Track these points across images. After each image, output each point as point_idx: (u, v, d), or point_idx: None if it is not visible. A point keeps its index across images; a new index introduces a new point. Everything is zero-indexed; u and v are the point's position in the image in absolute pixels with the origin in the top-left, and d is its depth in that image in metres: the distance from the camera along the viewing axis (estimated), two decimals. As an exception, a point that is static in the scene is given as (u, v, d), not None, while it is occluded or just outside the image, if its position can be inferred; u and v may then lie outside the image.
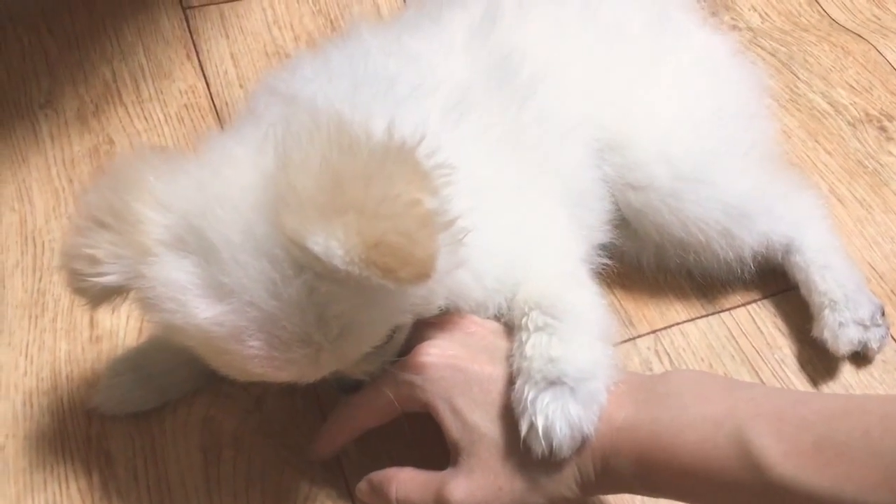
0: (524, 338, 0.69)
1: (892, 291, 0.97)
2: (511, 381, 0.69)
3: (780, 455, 0.59)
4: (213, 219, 0.58)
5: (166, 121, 1.09)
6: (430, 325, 0.73)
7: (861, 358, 0.90)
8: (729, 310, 0.95)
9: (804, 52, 1.23)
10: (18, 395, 0.84)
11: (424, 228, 0.55)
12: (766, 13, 1.29)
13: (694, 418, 0.64)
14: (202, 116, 1.10)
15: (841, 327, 0.85)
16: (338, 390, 0.75)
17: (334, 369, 0.66)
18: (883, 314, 0.89)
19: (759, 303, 0.95)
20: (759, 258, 0.91)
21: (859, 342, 0.85)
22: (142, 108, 1.10)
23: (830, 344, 0.86)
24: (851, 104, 1.16)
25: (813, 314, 0.89)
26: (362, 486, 0.75)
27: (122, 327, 0.89)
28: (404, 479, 0.72)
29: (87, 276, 0.60)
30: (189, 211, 0.60)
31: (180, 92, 1.12)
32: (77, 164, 1.04)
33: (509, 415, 0.68)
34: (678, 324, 0.94)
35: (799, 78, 1.19)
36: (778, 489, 0.59)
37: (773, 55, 1.22)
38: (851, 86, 1.19)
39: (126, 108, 1.10)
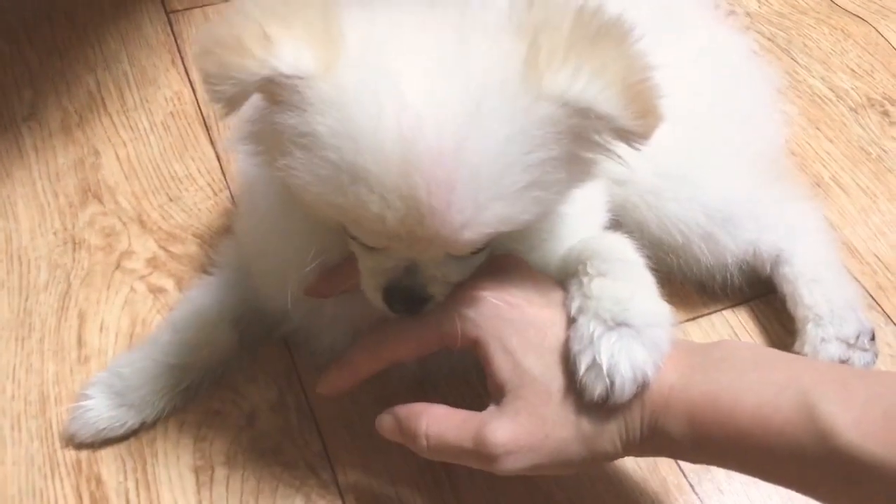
0: (586, 281, 0.67)
1: (899, 282, 0.95)
2: (568, 327, 0.66)
3: (849, 422, 0.56)
4: (439, 43, 0.57)
5: (152, 129, 1.07)
6: (485, 264, 0.69)
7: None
8: (731, 307, 0.93)
9: (803, 35, 1.20)
10: (6, 419, 0.82)
11: (660, 94, 0.59)
12: (763, -4, 1.26)
13: (753, 382, 0.61)
14: (188, 124, 1.08)
15: (822, 343, 0.82)
16: (396, 308, 0.67)
17: (463, 237, 0.58)
18: (873, 339, 0.85)
19: (762, 299, 0.93)
20: (745, 267, 0.88)
21: (839, 360, 0.82)
22: (127, 118, 1.08)
23: None
24: (853, 88, 1.14)
25: (797, 329, 0.86)
26: (385, 420, 0.70)
27: (111, 346, 0.88)
28: (438, 415, 0.67)
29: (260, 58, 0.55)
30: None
31: (166, 99, 1.10)
32: (62, 178, 1.02)
33: (563, 361, 0.65)
34: (680, 323, 0.91)
35: (798, 63, 1.17)
36: (844, 457, 0.56)
37: (771, 40, 1.20)
38: (852, 70, 1.16)
39: (111, 118, 1.08)
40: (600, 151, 0.61)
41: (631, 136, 0.58)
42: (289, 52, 0.55)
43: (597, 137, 0.60)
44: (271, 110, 0.58)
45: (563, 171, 0.60)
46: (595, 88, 0.56)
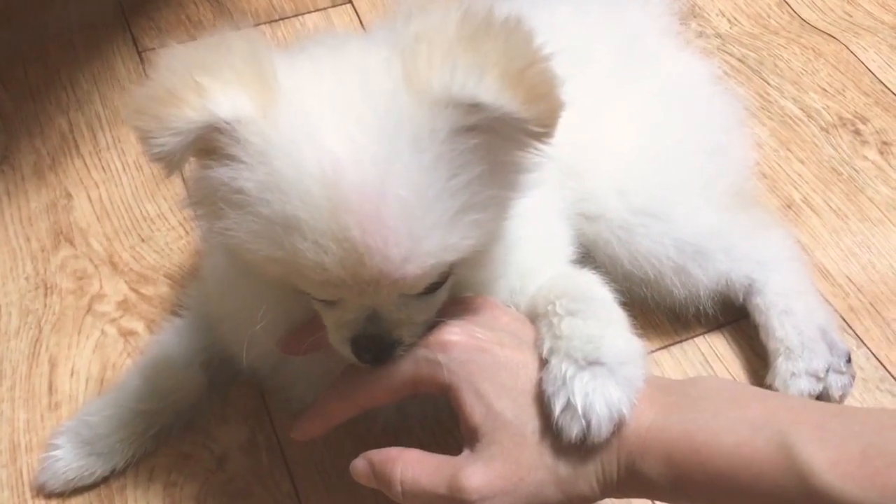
0: (556, 321, 0.67)
1: (870, 304, 0.95)
2: (540, 368, 0.66)
3: (826, 463, 0.56)
4: (343, 85, 0.58)
5: (124, 169, 1.08)
6: (454, 305, 0.69)
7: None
8: (703, 334, 0.93)
9: (774, 56, 1.20)
10: (-23, 468, 0.83)
11: (556, 80, 0.57)
12: (734, 17, 1.26)
13: (729, 421, 0.61)
14: (161, 163, 1.08)
15: (793, 377, 0.83)
16: (365, 358, 0.67)
17: (407, 272, 0.58)
18: (849, 360, 0.85)
19: (733, 325, 0.93)
20: (718, 297, 0.88)
21: (809, 394, 0.82)
22: (99, 158, 1.09)
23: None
24: (824, 108, 1.14)
25: (769, 361, 0.86)
26: (359, 465, 0.69)
27: (82, 391, 0.88)
28: (411, 460, 0.66)
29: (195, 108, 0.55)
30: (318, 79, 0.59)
31: (130, 128, 1.10)
32: (34, 222, 1.02)
33: (537, 403, 0.65)
34: (651, 352, 0.91)
35: (769, 84, 1.17)
36: (822, 498, 0.56)
37: (742, 61, 1.20)
38: (824, 89, 1.16)
39: (83, 159, 1.08)
40: (518, 148, 0.61)
41: (527, 125, 0.57)
42: (224, 98, 0.55)
43: (507, 135, 0.58)
44: (205, 172, 0.59)
45: (493, 186, 0.60)
46: (473, 80, 0.55)
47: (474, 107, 0.55)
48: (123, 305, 0.94)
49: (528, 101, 0.55)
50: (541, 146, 0.60)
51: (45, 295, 0.95)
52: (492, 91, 0.55)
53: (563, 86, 0.58)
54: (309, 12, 1.26)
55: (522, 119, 0.56)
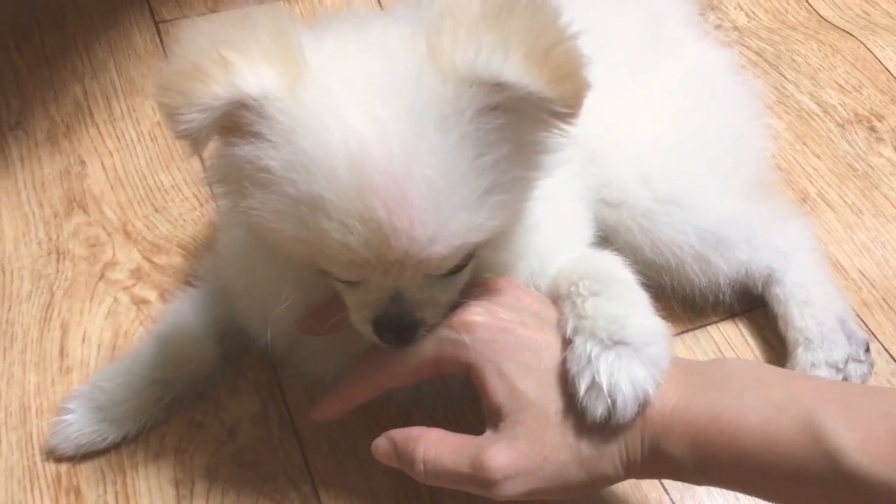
0: (580, 301, 0.67)
1: (882, 299, 0.95)
2: (564, 348, 0.66)
3: (854, 442, 0.56)
4: (368, 64, 0.57)
5: (139, 139, 1.07)
6: (476, 286, 0.69)
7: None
8: (716, 322, 0.93)
9: (792, 51, 1.20)
10: (-14, 430, 0.82)
11: (582, 60, 0.56)
12: (752, 11, 1.26)
13: (755, 401, 0.61)
14: (176, 134, 1.08)
15: (812, 368, 0.83)
16: (387, 339, 0.67)
17: (433, 253, 0.58)
18: (867, 350, 0.86)
19: (747, 315, 0.93)
20: (737, 286, 0.88)
21: None
22: (114, 127, 1.08)
23: None
24: (840, 104, 1.14)
25: (788, 350, 0.86)
26: (381, 444, 0.69)
27: (93, 357, 0.87)
28: (434, 439, 0.66)
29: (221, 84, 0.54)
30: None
31: (153, 109, 1.09)
32: (48, 188, 1.01)
33: (561, 384, 0.65)
34: (664, 339, 0.91)
35: (786, 78, 1.17)
36: (851, 478, 0.56)
37: (759, 55, 1.20)
38: (840, 85, 1.16)
39: (97, 128, 1.08)
40: (543, 129, 0.60)
41: (552, 105, 0.56)
42: (251, 74, 0.55)
43: (532, 115, 0.58)
44: (229, 150, 0.58)
45: (518, 167, 0.60)
46: (498, 58, 0.54)
47: (499, 86, 0.55)
48: (136, 274, 0.94)
49: (553, 81, 0.55)
50: (566, 127, 0.59)
51: (58, 261, 0.95)
52: (517, 70, 0.54)
53: (589, 66, 0.57)
54: (327, -10, 1.26)
55: (547, 99, 0.55)
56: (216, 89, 0.54)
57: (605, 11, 0.93)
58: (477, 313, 0.67)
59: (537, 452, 0.64)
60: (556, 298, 0.71)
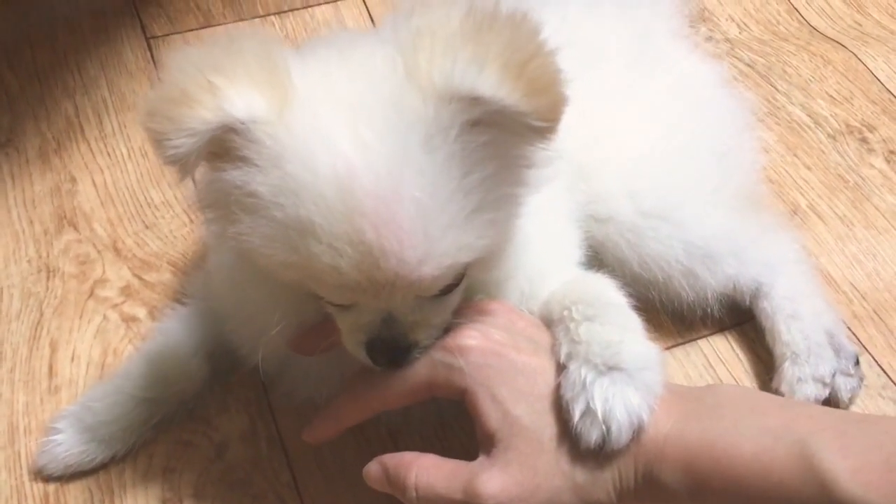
0: (573, 326, 0.67)
1: (874, 311, 0.95)
2: (557, 374, 0.65)
3: (848, 472, 0.56)
4: (352, 86, 0.57)
5: (130, 156, 1.07)
6: (470, 309, 0.69)
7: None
8: (706, 336, 0.93)
9: (783, 62, 1.20)
10: (-25, 450, 0.82)
11: (560, 75, 0.56)
12: (743, 23, 1.26)
13: (749, 429, 0.61)
14: (166, 150, 1.08)
15: (799, 383, 0.83)
16: (380, 362, 0.66)
17: (424, 274, 0.58)
18: (857, 363, 0.86)
19: (737, 328, 0.93)
20: (724, 300, 0.88)
21: (816, 399, 0.82)
22: (105, 144, 1.08)
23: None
24: (832, 115, 1.14)
25: (775, 364, 0.86)
26: (372, 469, 0.68)
27: (82, 376, 0.87)
28: (426, 465, 0.66)
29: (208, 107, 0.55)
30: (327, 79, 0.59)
31: (144, 131, 1.09)
32: (38, 205, 1.01)
33: (555, 409, 0.65)
34: (654, 353, 0.91)
35: (778, 90, 1.17)
36: None
37: (750, 66, 1.20)
38: (831, 96, 1.16)
39: (88, 144, 1.08)
40: (526, 143, 0.60)
41: (528, 119, 0.55)
42: (238, 98, 0.55)
43: (513, 130, 0.58)
44: (217, 175, 0.58)
45: (506, 184, 0.60)
46: (473, 72, 0.54)
47: (475, 100, 0.55)
48: (126, 291, 0.94)
49: (528, 94, 0.54)
50: (545, 141, 0.59)
51: (48, 278, 0.95)
52: (491, 83, 0.54)
53: (567, 80, 0.57)
54: (318, 4, 1.26)
55: (523, 112, 0.55)
56: (204, 114, 0.54)
57: (594, 24, 0.93)
58: (471, 336, 0.67)
59: (530, 479, 0.63)
60: (550, 323, 0.71)
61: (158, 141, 0.55)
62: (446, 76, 0.55)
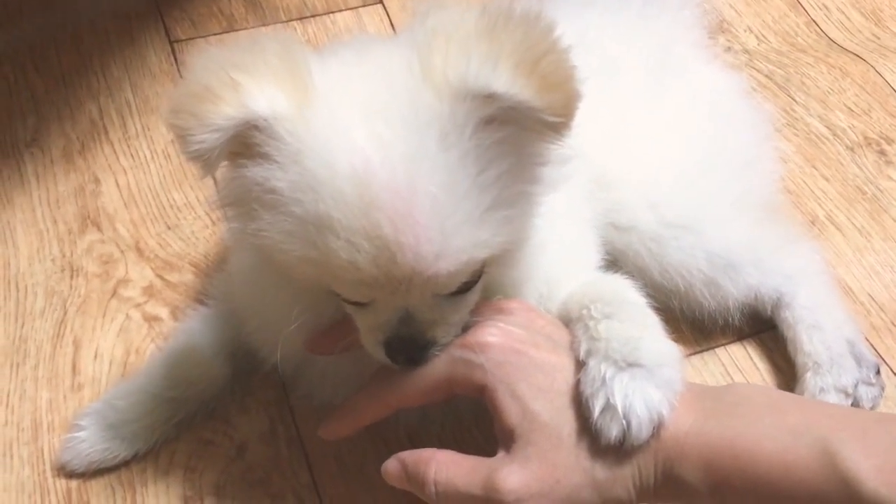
0: (592, 324, 0.67)
1: (892, 322, 0.95)
2: (577, 371, 0.66)
3: (871, 470, 0.56)
4: (370, 85, 0.59)
5: (153, 157, 1.08)
6: (488, 308, 0.70)
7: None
8: (724, 345, 0.93)
9: (801, 73, 1.21)
10: (-2, 445, 0.83)
11: (573, 71, 0.57)
12: (762, 34, 1.27)
13: (770, 427, 0.61)
14: (189, 152, 1.09)
15: (822, 393, 0.83)
16: (399, 360, 0.67)
17: (440, 269, 0.58)
18: (878, 372, 0.86)
19: (755, 337, 0.93)
20: (745, 309, 0.89)
21: None
22: (128, 145, 1.09)
23: None
24: (850, 127, 1.14)
25: (797, 374, 0.86)
26: (391, 466, 0.69)
27: (105, 374, 0.88)
28: (445, 461, 0.66)
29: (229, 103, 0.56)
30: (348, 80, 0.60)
31: (167, 127, 1.10)
32: (62, 205, 1.03)
33: (574, 406, 0.65)
34: (672, 361, 0.91)
35: (796, 101, 1.17)
36: None
37: (769, 78, 1.20)
38: (850, 108, 1.16)
39: (112, 146, 1.09)
40: (541, 140, 0.60)
41: (542, 115, 0.56)
42: (261, 95, 0.56)
43: (529, 126, 0.59)
44: (238, 172, 0.59)
45: (521, 181, 0.61)
46: (487, 69, 0.55)
47: (490, 97, 0.56)
48: (148, 291, 0.95)
49: (542, 90, 0.55)
50: (560, 137, 0.60)
51: (71, 277, 0.96)
52: (505, 79, 0.55)
53: (580, 76, 0.58)
54: (340, 11, 1.27)
55: (536, 108, 0.56)
56: (227, 110, 0.56)
57: (614, 35, 0.94)
58: (491, 333, 0.67)
59: (550, 474, 0.64)
60: (568, 321, 0.71)
61: (182, 137, 0.56)
62: (461, 74, 0.56)
